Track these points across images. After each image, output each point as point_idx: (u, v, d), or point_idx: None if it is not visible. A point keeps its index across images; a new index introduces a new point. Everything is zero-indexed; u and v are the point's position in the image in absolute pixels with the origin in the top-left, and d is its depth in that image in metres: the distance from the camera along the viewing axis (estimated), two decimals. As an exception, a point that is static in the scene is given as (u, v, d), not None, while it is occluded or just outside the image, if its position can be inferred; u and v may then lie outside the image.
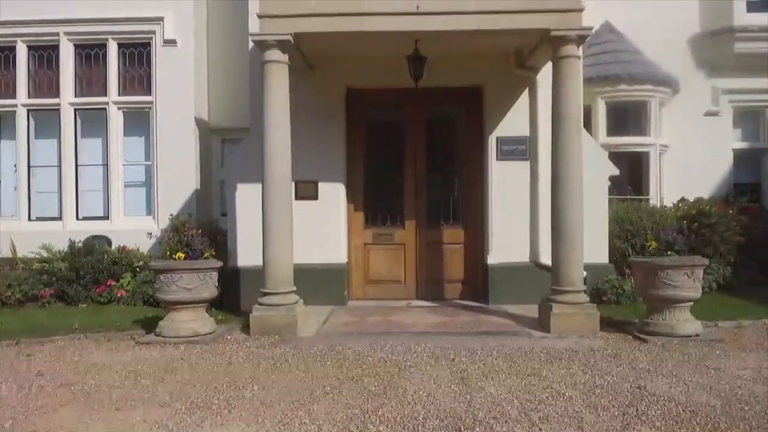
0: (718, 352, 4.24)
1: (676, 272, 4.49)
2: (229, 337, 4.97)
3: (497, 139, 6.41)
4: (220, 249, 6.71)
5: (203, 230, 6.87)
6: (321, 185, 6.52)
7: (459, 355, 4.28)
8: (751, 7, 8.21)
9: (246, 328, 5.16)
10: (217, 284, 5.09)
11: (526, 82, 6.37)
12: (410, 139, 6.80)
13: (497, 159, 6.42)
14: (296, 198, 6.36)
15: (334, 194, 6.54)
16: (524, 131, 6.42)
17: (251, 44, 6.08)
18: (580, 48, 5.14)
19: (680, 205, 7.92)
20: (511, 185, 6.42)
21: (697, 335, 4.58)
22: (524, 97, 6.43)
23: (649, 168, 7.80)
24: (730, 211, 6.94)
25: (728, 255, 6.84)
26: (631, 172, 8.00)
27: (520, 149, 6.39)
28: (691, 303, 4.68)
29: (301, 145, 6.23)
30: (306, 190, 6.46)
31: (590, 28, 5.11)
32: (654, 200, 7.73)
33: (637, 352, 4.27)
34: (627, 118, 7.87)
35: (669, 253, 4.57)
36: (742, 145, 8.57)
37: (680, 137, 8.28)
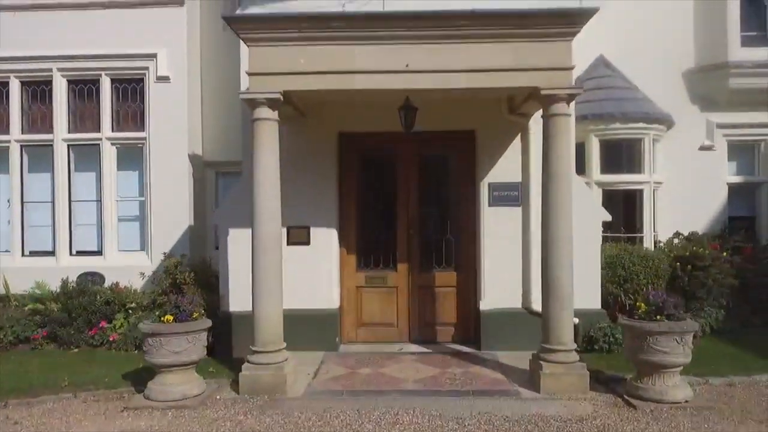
0: (707, 425, 4.22)
1: (665, 338, 4.48)
2: (218, 397, 4.95)
3: (489, 185, 6.39)
4: (213, 292, 6.71)
5: (196, 273, 6.86)
6: (313, 230, 6.50)
7: (446, 426, 4.27)
8: (746, 42, 8.18)
9: (236, 384, 5.14)
10: (206, 343, 5.08)
11: (519, 128, 6.35)
12: (402, 181, 6.78)
13: (489, 205, 6.40)
14: (288, 243, 6.37)
15: (326, 239, 6.52)
16: (516, 177, 6.39)
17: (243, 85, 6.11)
18: (571, 105, 5.12)
19: (675, 240, 7.93)
20: (503, 230, 6.40)
21: (686, 401, 4.56)
22: (516, 142, 6.41)
23: (643, 205, 7.77)
24: (724, 254, 6.92)
25: (721, 298, 6.82)
26: (625, 208, 7.97)
27: (512, 195, 6.37)
28: (681, 368, 4.66)
29: (294, 189, 6.25)
30: (298, 236, 6.45)
31: (580, 88, 5.09)
32: (648, 238, 7.71)
33: (625, 424, 4.25)
34: (621, 155, 7.85)
35: (658, 317, 4.54)
36: (736, 178, 8.54)
37: (675, 171, 8.26)
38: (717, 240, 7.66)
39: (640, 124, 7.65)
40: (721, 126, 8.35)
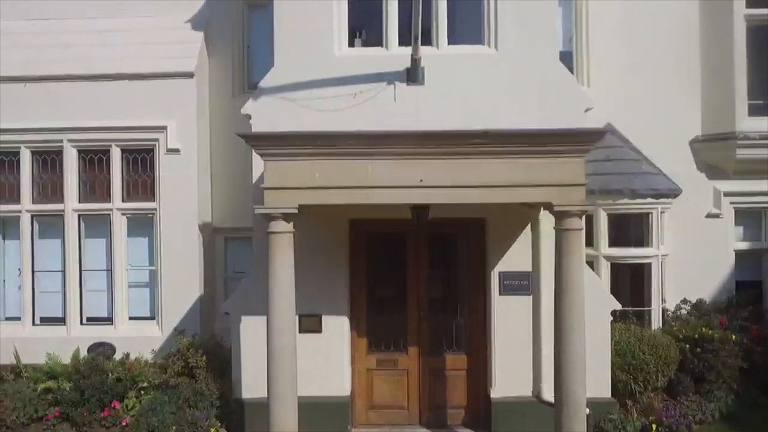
0: None
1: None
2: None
3: (500, 274, 6.44)
4: (225, 376, 6.78)
5: (208, 355, 6.92)
6: (325, 318, 6.55)
7: None
8: (753, 110, 8.21)
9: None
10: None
11: (529, 218, 6.39)
12: (413, 265, 6.83)
13: (500, 294, 6.45)
14: (300, 331, 6.40)
15: (337, 325, 6.57)
16: (527, 265, 6.44)
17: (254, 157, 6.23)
18: (583, 218, 5.16)
19: (682, 307, 8.01)
20: (514, 318, 6.45)
21: None
22: (527, 231, 6.46)
23: (651, 279, 7.81)
24: (733, 337, 6.96)
25: (731, 380, 6.88)
26: (632, 278, 8.00)
27: (523, 284, 6.42)
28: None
29: (305, 276, 6.27)
30: (310, 324, 6.49)
31: (593, 204, 5.14)
32: (655, 313, 7.74)
33: None
34: (628, 228, 7.89)
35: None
36: (743, 245, 8.58)
37: (682, 238, 8.30)
38: (724, 313, 7.72)
39: (648, 200, 7.68)
40: (728, 194, 8.39)
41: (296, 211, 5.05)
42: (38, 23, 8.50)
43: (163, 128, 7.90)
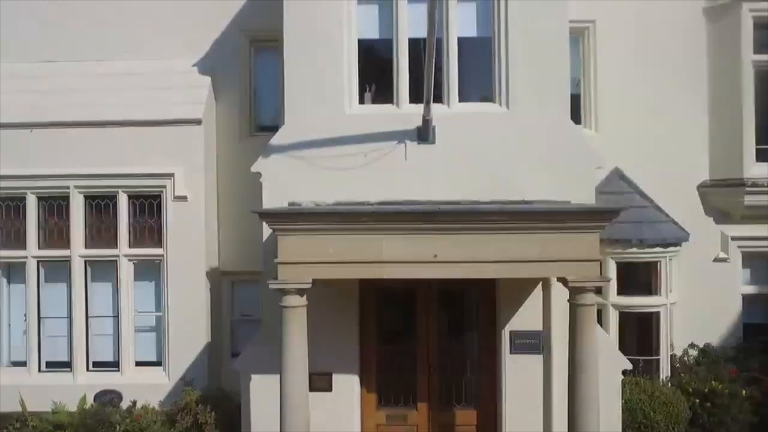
0: None
1: None
2: None
3: (510, 333, 6.43)
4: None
5: (216, 411, 6.90)
6: (335, 376, 6.53)
7: None
8: (761, 156, 8.22)
9: None
10: None
11: (540, 278, 6.38)
12: (423, 321, 6.81)
13: (510, 352, 6.44)
14: (310, 390, 6.38)
15: (347, 383, 6.55)
16: (537, 324, 6.43)
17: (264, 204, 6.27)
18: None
19: (690, 352, 8.02)
20: (524, 376, 6.44)
21: None
22: (537, 290, 6.44)
23: (659, 327, 7.81)
24: (743, 392, 6.97)
25: (742, 436, 6.90)
26: (639, 325, 8.00)
27: (534, 343, 6.41)
28: None
29: (315, 335, 6.21)
30: (320, 383, 6.46)
31: (608, 279, 5.14)
32: (664, 362, 7.75)
33: None
34: (637, 276, 7.89)
35: None
36: (751, 289, 8.58)
37: (689, 283, 8.29)
38: (733, 360, 7.74)
39: (657, 249, 7.68)
40: (736, 239, 8.39)
41: (310, 285, 5.03)
42: (44, 66, 8.45)
43: (171, 175, 7.87)
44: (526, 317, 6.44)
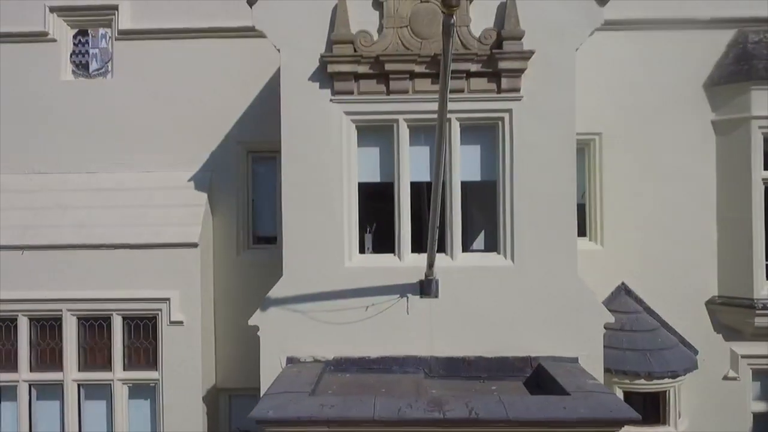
0: None
1: None
2: None
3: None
4: None
5: None
6: None
7: None
8: (771, 274, 8.03)
9: None
10: None
11: None
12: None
13: None
14: None
15: None
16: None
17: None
18: None
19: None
20: None
21: None
22: None
23: (668, 459, 7.62)
24: None
25: None
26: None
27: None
28: None
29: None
30: None
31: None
32: (674, 497, 7.55)
33: None
34: (645, 403, 7.67)
35: None
36: (761, 406, 8.38)
37: (698, 402, 8.11)
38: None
39: (666, 380, 7.48)
40: (746, 357, 8.19)
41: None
42: (35, 179, 8.28)
43: (166, 300, 7.67)
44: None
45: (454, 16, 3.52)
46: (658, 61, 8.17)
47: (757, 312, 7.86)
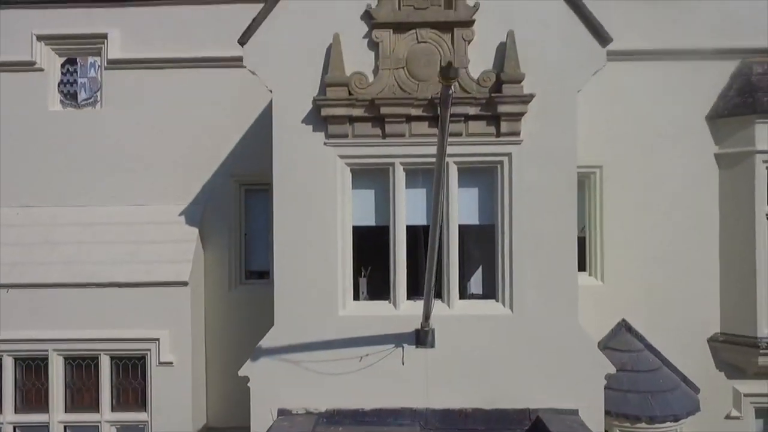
0: None
1: None
2: None
3: None
4: None
5: None
6: None
7: None
8: (775, 310, 7.86)
9: None
10: None
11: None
12: None
13: None
14: None
15: None
16: None
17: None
18: None
19: None
20: None
21: None
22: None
23: (670, 503, 7.42)
24: None
25: None
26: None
27: None
28: None
29: None
30: None
31: None
32: None
33: None
34: (647, 446, 7.50)
35: None
36: (764, 445, 8.23)
37: (701, 440, 7.95)
38: None
39: (667, 423, 7.29)
40: (749, 395, 8.02)
41: None
42: (24, 212, 8.07)
43: (155, 340, 7.46)
44: None
45: (452, 87, 3.32)
46: (661, 92, 7.99)
47: (761, 351, 7.69)
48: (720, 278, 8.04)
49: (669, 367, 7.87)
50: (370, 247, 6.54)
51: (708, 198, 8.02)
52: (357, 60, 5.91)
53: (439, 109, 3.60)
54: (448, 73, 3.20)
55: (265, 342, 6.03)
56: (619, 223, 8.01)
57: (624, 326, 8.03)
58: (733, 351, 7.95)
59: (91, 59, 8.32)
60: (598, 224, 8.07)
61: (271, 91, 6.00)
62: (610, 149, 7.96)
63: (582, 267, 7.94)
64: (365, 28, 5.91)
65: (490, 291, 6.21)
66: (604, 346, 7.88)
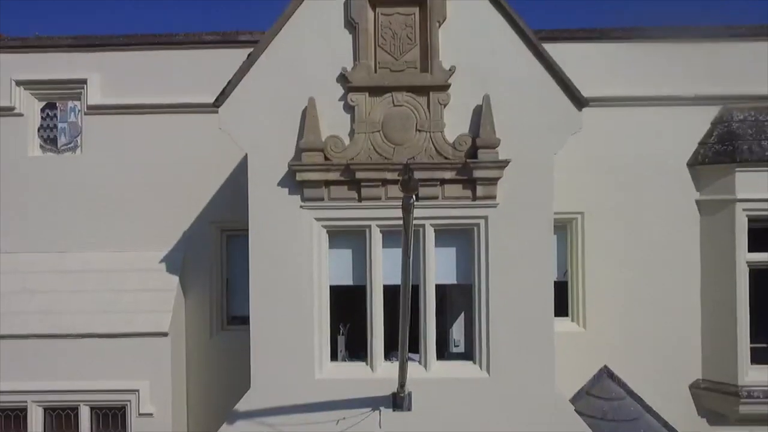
0: None
1: None
2: None
3: None
4: None
5: None
6: None
7: None
8: (756, 357, 7.83)
9: None
10: None
11: None
12: None
13: None
14: None
15: None
16: None
17: None
18: None
19: None
20: None
21: None
22: None
23: None
24: None
25: None
26: None
27: None
28: None
29: None
30: None
31: None
32: None
33: None
34: (628, 496, 7.50)
35: None
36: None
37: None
38: None
39: (649, 474, 7.31)
40: (732, 438, 8.05)
41: None
42: (2, 258, 8.00)
43: (135, 391, 7.41)
44: None
45: (414, 196, 3.30)
46: (642, 138, 7.99)
47: (742, 400, 7.70)
48: (701, 324, 8.04)
49: (651, 414, 7.87)
50: (350, 303, 6.52)
51: (690, 244, 8.02)
52: (333, 122, 5.89)
53: (402, 213, 3.57)
54: (408, 184, 3.19)
55: (242, 405, 6.02)
56: (601, 268, 8.01)
57: (606, 372, 8.03)
58: (715, 398, 7.95)
59: (71, 104, 8.27)
60: (580, 269, 8.07)
61: (246, 154, 5.97)
62: (592, 195, 7.95)
63: (564, 312, 7.97)
64: (341, 91, 5.89)
65: (468, 349, 6.19)
66: (586, 392, 7.89)
